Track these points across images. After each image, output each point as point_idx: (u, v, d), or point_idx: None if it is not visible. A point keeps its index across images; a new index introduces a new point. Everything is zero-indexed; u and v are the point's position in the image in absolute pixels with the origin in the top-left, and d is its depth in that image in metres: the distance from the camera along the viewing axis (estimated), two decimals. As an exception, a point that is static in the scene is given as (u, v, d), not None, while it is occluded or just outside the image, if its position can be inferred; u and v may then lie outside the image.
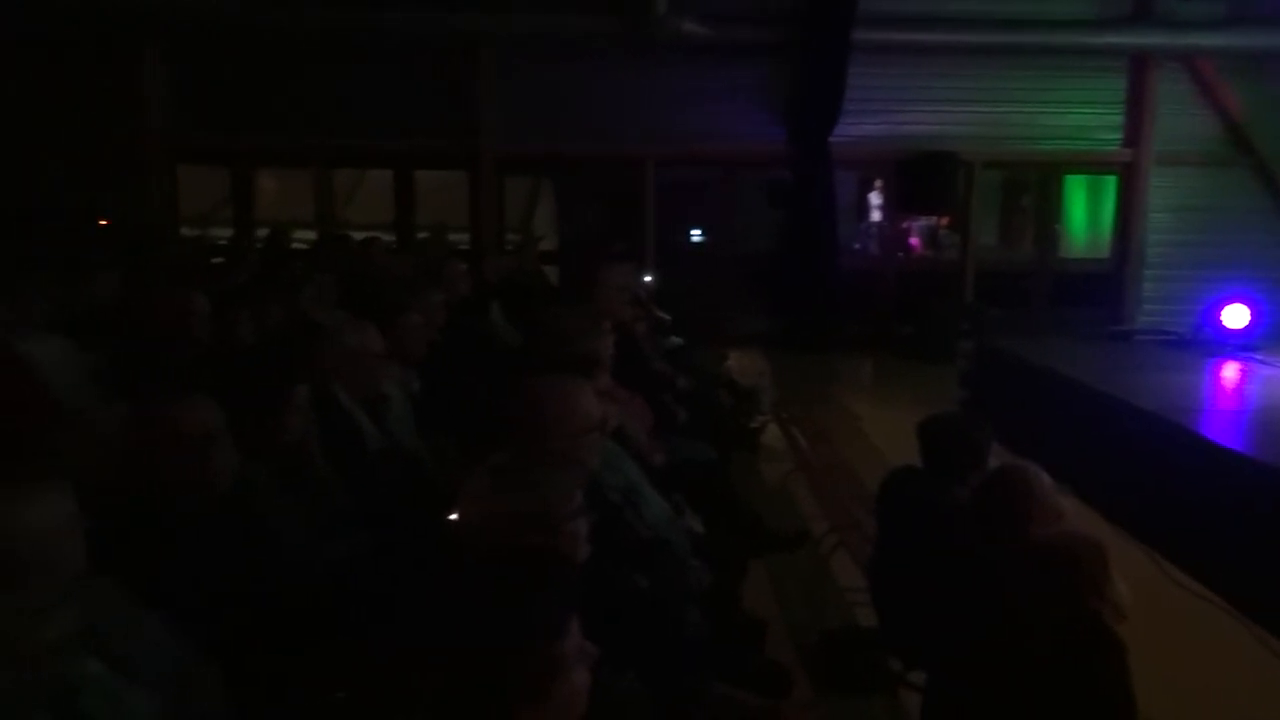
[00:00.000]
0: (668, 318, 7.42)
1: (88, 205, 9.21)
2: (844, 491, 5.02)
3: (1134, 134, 10.15)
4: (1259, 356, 7.86)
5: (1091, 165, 10.95)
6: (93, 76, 9.39)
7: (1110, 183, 10.93)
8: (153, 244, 8.44)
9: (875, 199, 12.35)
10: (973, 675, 2.27)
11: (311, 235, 9.45)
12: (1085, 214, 13.17)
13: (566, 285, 8.45)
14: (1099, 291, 10.64)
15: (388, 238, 9.24)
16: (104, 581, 1.96)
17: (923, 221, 12.84)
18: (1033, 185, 12.13)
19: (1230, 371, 7.59)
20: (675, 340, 6.95)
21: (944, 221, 12.47)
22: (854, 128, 9.80)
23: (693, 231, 12.13)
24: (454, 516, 3.00)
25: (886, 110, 9.94)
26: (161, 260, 6.98)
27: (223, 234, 10.37)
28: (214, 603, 2.19)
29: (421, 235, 9.63)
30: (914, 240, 12.96)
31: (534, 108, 9.77)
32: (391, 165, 10.47)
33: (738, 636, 2.97)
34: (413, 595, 1.95)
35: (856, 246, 12.44)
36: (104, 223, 9.42)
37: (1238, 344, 8.12)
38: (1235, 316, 8.34)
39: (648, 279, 8.23)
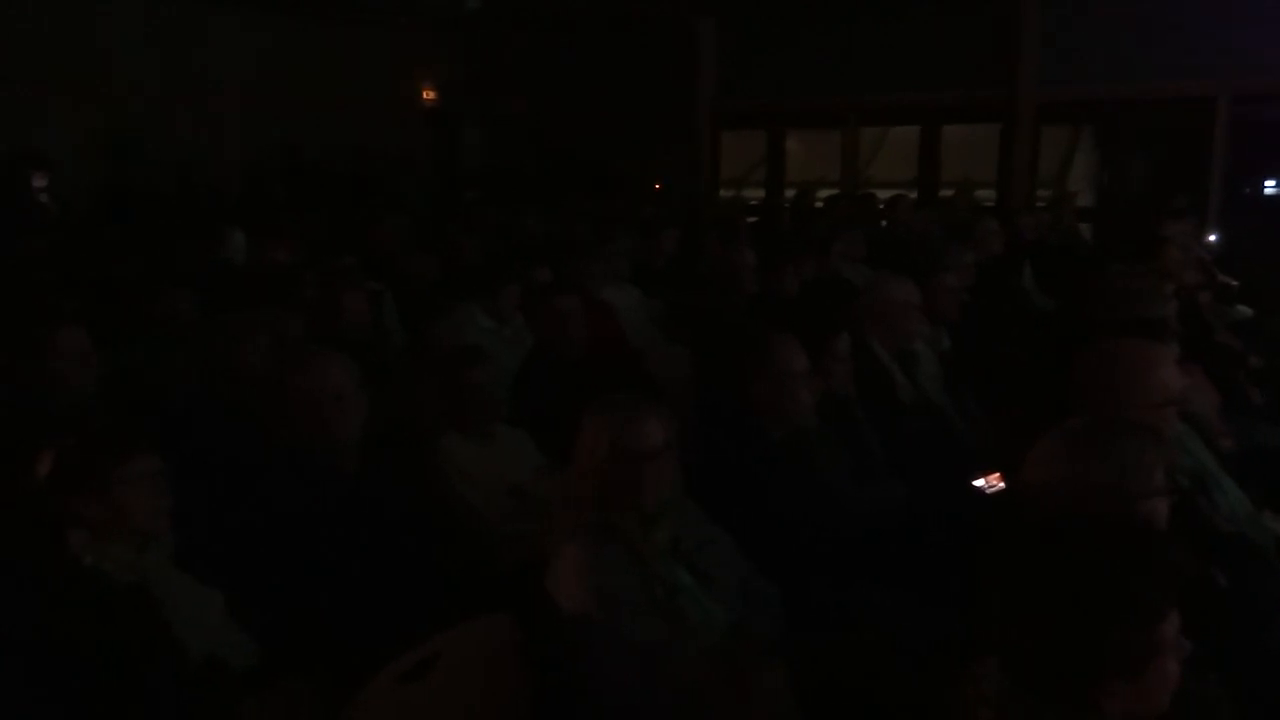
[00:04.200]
0: (1235, 284, 6.43)
1: (648, 171, 10.47)
2: None
3: None
4: None
5: None
6: (653, 52, 10.56)
7: None
8: (702, 205, 9.35)
9: None
10: None
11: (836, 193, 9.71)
12: None
13: (1111, 245, 7.67)
14: None
15: (911, 195, 9.16)
16: (688, 503, 2.24)
17: None
18: None
19: None
20: (1244, 310, 6.01)
21: None
22: None
23: (1267, 182, 10.22)
24: (982, 481, 2.95)
25: None
26: (710, 220, 7.68)
27: (754, 195, 11.11)
28: (771, 535, 2.40)
29: (945, 193, 9.40)
30: None
31: (1083, 45, 8.87)
32: (920, 121, 10.31)
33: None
34: (958, 552, 1.94)
35: None
36: (659, 186, 10.65)
37: None
38: None
39: (1212, 239, 7.17)
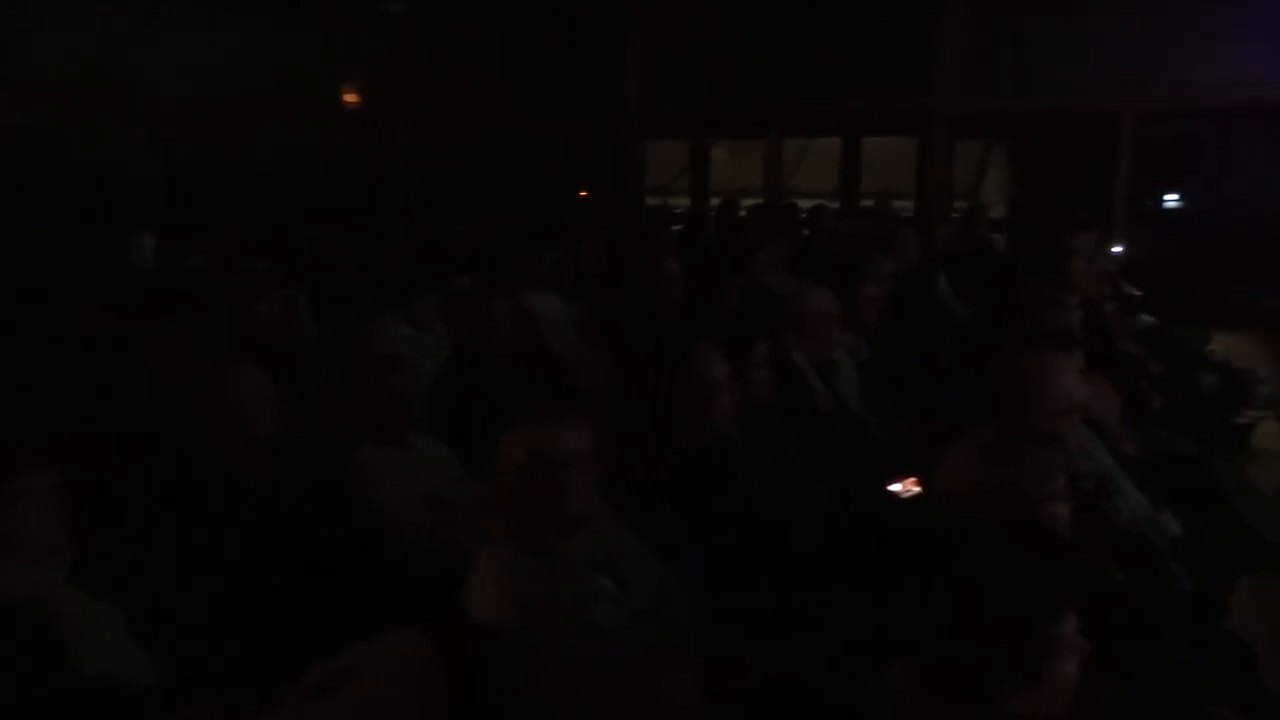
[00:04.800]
0: (1138, 293, 6.70)
1: (577, 177, 10.48)
2: (1368, 509, 4.19)
3: None
4: None
5: None
6: (581, 59, 10.57)
7: None
8: (626, 213, 9.39)
9: None
10: None
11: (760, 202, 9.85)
12: None
13: (1020, 256, 7.93)
14: None
15: (833, 205, 9.34)
16: (608, 512, 2.25)
17: None
18: None
19: None
20: (1147, 319, 6.26)
21: None
22: None
23: (1167, 196, 10.69)
24: (899, 486, 3.02)
25: None
26: (634, 227, 7.71)
27: (679, 203, 11.20)
28: (693, 543, 2.41)
29: (866, 203, 9.60)
30: None
31: (996, 64, 9.17)
32: (840, 132, 10.52)
33: (1222, 654, 2.64)
34: (875, 558, 1.99)
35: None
36: (584, 194, 10.67)
37: None
38: None
39: (1116, 250, 7.45)
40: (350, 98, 11.14)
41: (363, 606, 2.28)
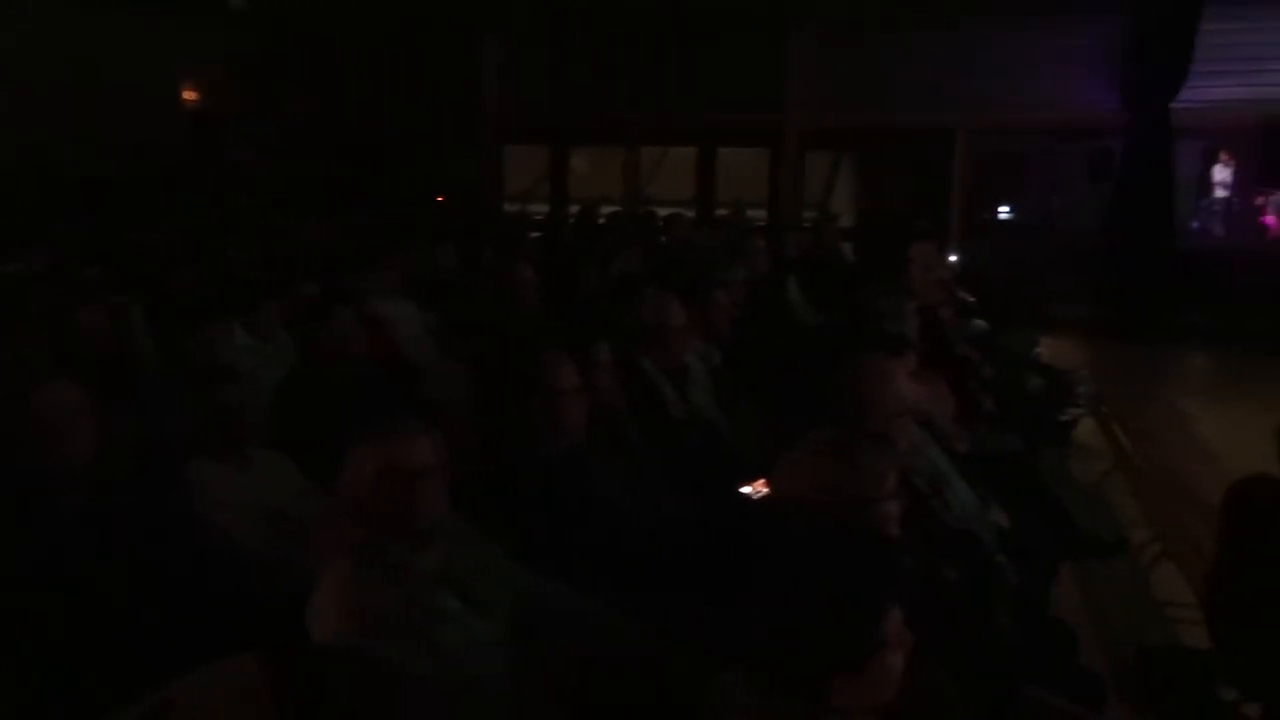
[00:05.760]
0: (972, 299, 7.08)
1: (429, 183, 10.30)
2: (1170, 497, 4.56)
3: None
4: None
5: None
6: (438, 62, 10.41)
7: None
8: (483, 219, 9.28)
9: (1220, 172, 10.96)
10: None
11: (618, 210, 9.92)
12: None
13: (866, 263, 8.27)
14: None
15: (689, 213, 9.51)
16: (459, 521, 2.21)
17: (1280, 197, 11.24)
18: None
19: None
20: (980, 324, 6.62)
21: (1312, 198, 10.83)
22: (1203, 91, 8.74)
23: (1000, 208, 11.39)
24: (750, 489, 3.10)
25: (1244, 70, 8.77)
26: (491, 234, 7.63)
27: (538, 210, 11.16)
28: (550, 553, 2.40)
29: (721, 212, 9.82)
30: (1269, 219, 11.37)
31: (842, 80, 9.59)
32: (696, 142, 10.73)
33: (1045, 640, 2.81)
34: (727, 561, 2.03)
35: (1195, 225, 11.13)
36: (440, 199, 10.49)
37: None
38: None
39: (952, 259, 7.87)
40: (190, 95, 10.62)
41: (196, 632, 2.17)
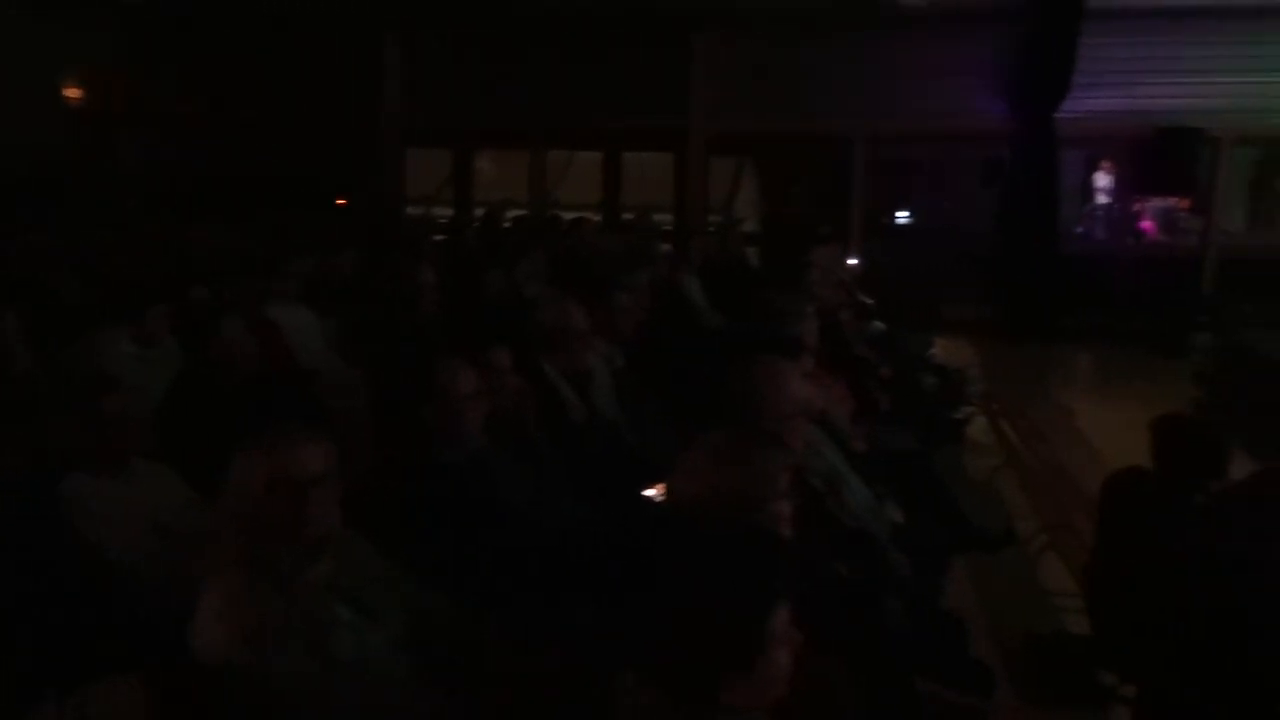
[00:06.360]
0: (870, 301, 7.27)
1: (329, 185, 10.06)
2: (1056, 491, 4.76)
3: None
4: None
5: (1362, 141, 9.78)
6: (338, 62, 10.17)
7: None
8: (386, 222, 9.12)
9: (1102, 179, 11.52)
10: (1196, 695, 2.13)
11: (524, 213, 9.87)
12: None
13: (769, 267, 8.42)
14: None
15: (595, 218, 9.52)
16: (352, 534, 2.16)
17: (1157, 204, 11.86)
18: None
19: None
20: (878, 326, 6.80)
21: (1184, 204, 11.46)
22: (1084, 102, 9.17)
23: (899, 213, 11.74)
24: (653, 491, 3.12)
25: (1121, 82, 9.23)
26: (393, 237, 7.51)
27: (443, 213, 11.03)
28: (456, 559, 2.38)
29: (627, 216, 9.86)
30: (1146, 224, 11.99)
31: (745, 87, 9.75)
32: (601, 147, 10.75)
33: (937, 632, 2.90)
34: (625, 562, 2.03)
35: (1079, 230, 11.66)
36: (341, 202, 10.26)
37: None
38: None
39: (852, 262, 8.06)
40: (75, 94, 10.15)
41: (75, 655, 2.08)
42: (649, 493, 3.11)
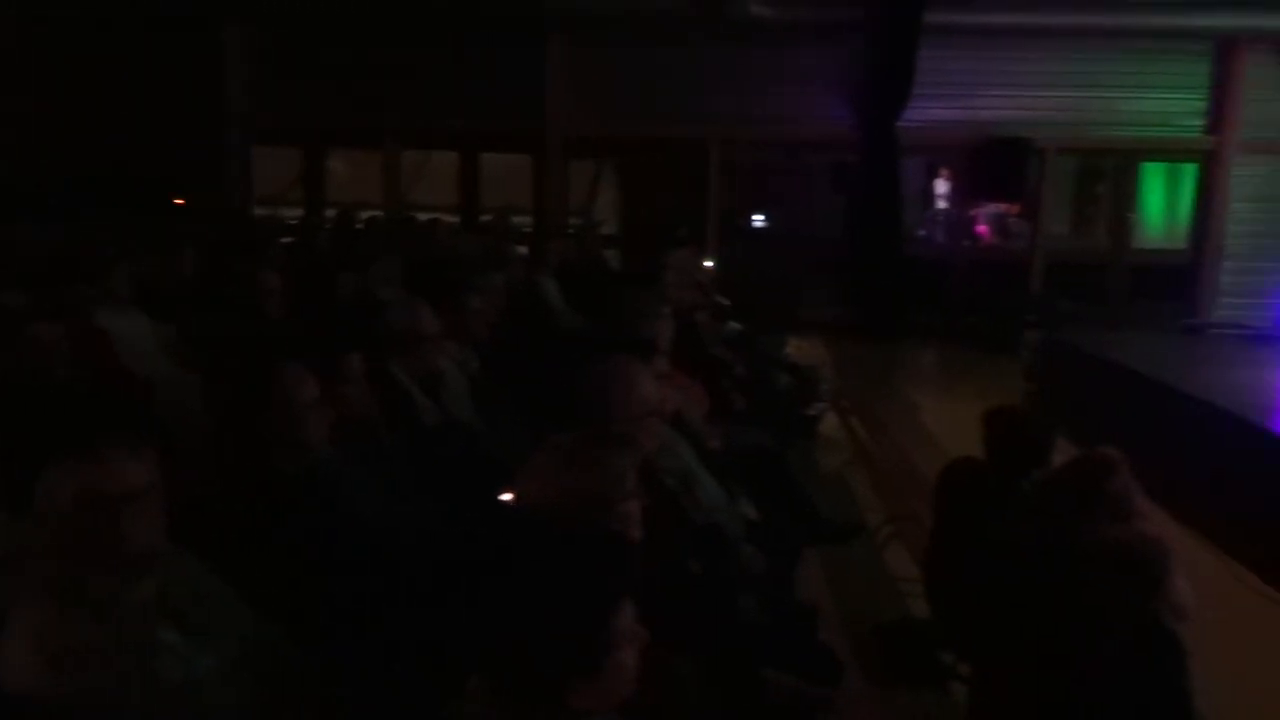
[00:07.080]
0: (727, 303, 7.41)
1: (167, 184, 9.52)
2: (901, 482, 4.98)
3: (1218, 120, 9.82)
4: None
5: (1172, 152, 10.64)
6: (177, 54, 9.65)
7: (1189, 170, 10.60)
8: (229, 223, 8.69)
9: (942, 186, 12.14)
10: (1024, 670, 2.25)
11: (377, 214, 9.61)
12: (1162, 203, 12.78)
13: (628, 269, 8.47)
14: (1175, 283, 10.35)
15: (452, 219, 9.37)
16: (179, 551, 2.04)
17: (991, 209, 12.59)
18: (1108, 172, 11.82)
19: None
20: (735, 326, 6.94)
21: (1014, 209, 12.20)
22: (923, 112, 9.64)
23: (754, 216, 12.03)
24: (509, 495, 3.08)
25: (957, 94, 9.76)
26: (237, 239, 7.17)
27: (293, 214, 10.61)
28: (298, 572, 2.27)
29: (485, 218, 9.75)
30: (982, 228, 12.70)
31: (600, 91, 9.80)
32: (458, 147, 10.60)
33: (790, 624, 2.97)
34: (472, 569, 1.99)
35: (921, 234, 12.25)
36: (179, 201, 9.73)
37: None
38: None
39: (709, 264, 8.21)
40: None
41: None
42: (505, 496, 3.07)
